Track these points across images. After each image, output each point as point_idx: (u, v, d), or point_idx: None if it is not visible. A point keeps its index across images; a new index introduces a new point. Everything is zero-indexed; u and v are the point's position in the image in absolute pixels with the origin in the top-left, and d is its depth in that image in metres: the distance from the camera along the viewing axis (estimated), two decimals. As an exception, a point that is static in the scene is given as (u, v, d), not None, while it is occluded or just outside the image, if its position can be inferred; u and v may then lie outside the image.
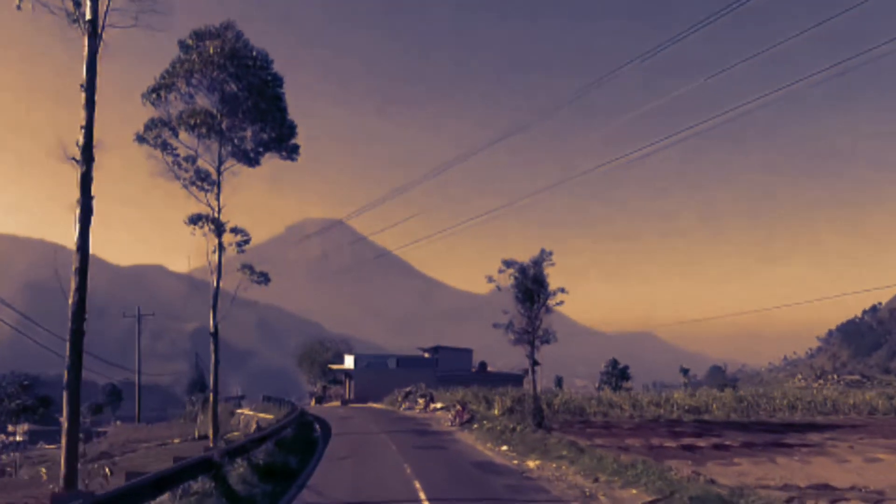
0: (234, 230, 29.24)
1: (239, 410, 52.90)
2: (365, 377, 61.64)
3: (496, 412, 35.37)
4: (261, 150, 29.56)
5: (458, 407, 34.10)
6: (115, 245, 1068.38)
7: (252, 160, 29.28)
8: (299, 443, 25.28)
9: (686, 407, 40.35)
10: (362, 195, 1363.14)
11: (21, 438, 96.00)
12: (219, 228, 28.38)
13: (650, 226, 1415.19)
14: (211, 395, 29.21)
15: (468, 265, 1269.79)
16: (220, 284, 28.80)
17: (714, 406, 40.73)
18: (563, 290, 28.17)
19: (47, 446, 74.71)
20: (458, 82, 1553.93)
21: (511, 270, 28.40)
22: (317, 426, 34.06)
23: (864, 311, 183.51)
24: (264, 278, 29.85)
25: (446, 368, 63.08)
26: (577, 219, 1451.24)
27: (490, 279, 28.23)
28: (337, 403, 60.86)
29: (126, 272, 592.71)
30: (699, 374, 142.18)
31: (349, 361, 65.94)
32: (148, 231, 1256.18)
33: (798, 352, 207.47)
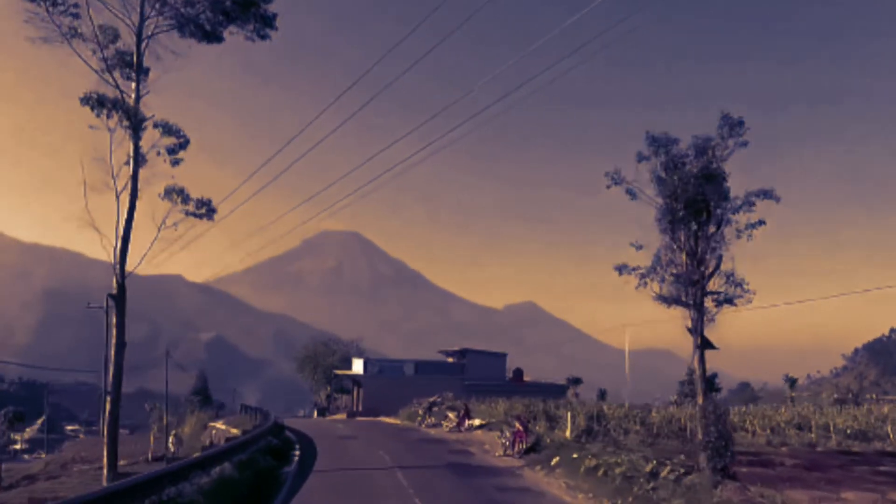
0: (162, 128, 17.38)
1: (212, 423, 41.43)
2: (376, 385, 51.03)
3: (567, 434, 24.84)
4: (210, 15, 17.83)
5: (517, 426, 21.65)
6: (134, 254, 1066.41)
7: (198, 31, 17.57)
8: (242, 489, 13.21)
9: (847, 430, 27.19)
10: (379, 208, 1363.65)
11: (22, 446, 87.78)
12: (134, 121, 16.50)
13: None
14: (108, 401, 17.18)
15: (484, 280, 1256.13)
16: (133, 219, 16.87)
17: (892, 431, 27.31)
18: (763, 196, 14.69)
19: (44, 455, 66.37)
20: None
21: (655, 162, 15.02)
22: (295, 453, 22.01)
23: (892, 330, 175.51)
24: (206, 208, 17.77)
25: (475, 376, 52.66)
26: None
27: (615, 178, 15.29)
28: (342, 416, 51.11)
29: (143, 281, 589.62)
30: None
31: (358, 366, 55.16)
32: (165, 240, 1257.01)
33: (822, 370, 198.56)
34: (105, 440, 17.58)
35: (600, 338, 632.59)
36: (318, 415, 59.46)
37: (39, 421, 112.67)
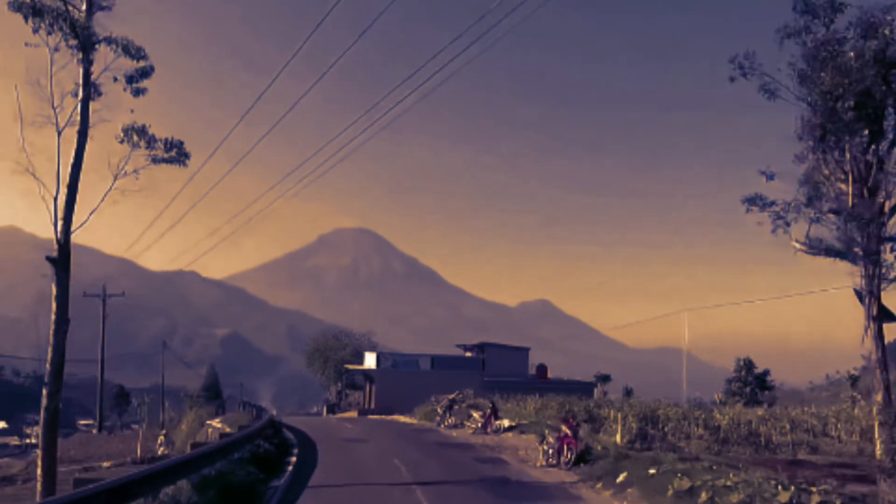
0: (122, 47, 13.40)
1: (209, 421, 37.80)
2: (390, 381, 48.06)
3: (618, 439, 20.99)
4: None
5: (564, 429, 17.41)
6: (148, 250, 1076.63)
7: None
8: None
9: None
10: (392, 205, 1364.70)
11: (33, 440, 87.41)
12: (83, 37, 12.56)
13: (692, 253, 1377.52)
14: (44, 394, 13.22)
15: (496, 277, 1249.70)
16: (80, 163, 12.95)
17: None
18: None
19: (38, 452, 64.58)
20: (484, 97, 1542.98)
21: (806, 42, 9.67)
22: (291, 459, 18.16)
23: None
24: (176, 151, 13.82)
25: (496, 372, 49.41)
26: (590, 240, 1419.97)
27: (744, 65, 10.74)
28: (353, 414, 48.29)
29: (159, 277, 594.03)
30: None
31: (370, 360, 52.07)
32: (182, 237, 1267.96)
33: (840, 371, 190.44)
34: (41, 444, 13.64)
35: (611, 335, 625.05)
36: (328, 412, 56.62)
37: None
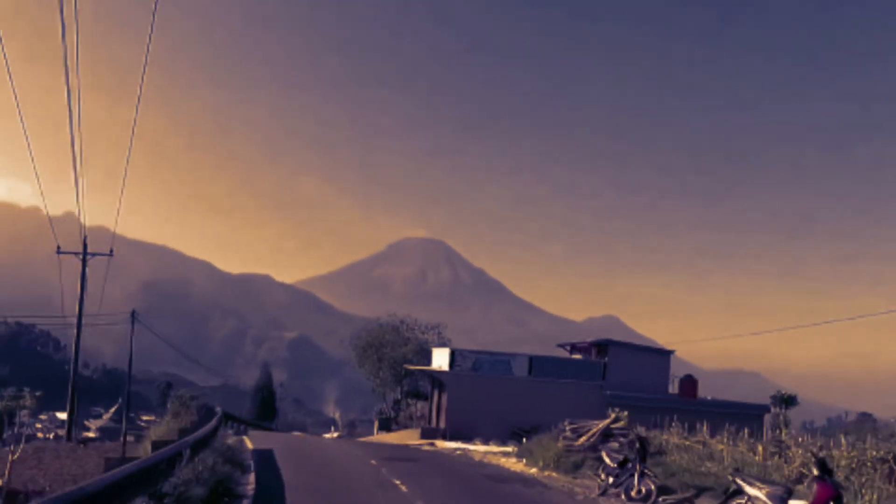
0: None
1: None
2: (469, 389, 34.22)
3: None
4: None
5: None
6: (225, 253, 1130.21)
7: None
8: None
9: None
10: (461, 216, 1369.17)
11: (93, 434, 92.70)
12: None
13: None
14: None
15: (564, 291, 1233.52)
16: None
17: None
18: None
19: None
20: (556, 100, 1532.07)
21: None
22: None
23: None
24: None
25: (622, 383, 34.99)
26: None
27: None
28: (413, 434, 35.94)
29: (234, 280, 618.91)
30: (813, 419, 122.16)
31: (440, 358, 38.15)
32: (256, 241, 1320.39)
33: None
34: None
35: (682, 356, 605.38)
36: (380, 428, 44.87)
37: (112, 409, 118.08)
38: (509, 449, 25.82)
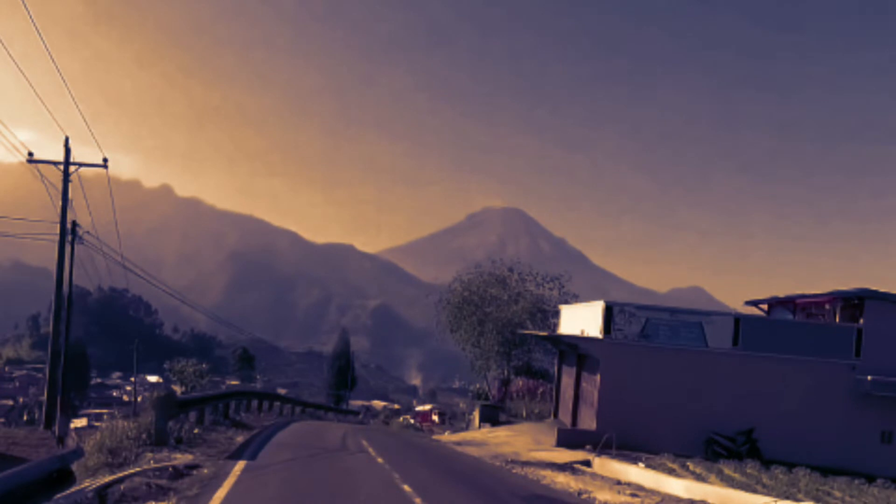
0: None
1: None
2: (636, 370, 22.37)
3: None
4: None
5: None
6: (311, 223, 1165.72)
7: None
8: None
9: None
10: (542, 185, 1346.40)
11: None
12: None
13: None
14: None
15: (647, 262, 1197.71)
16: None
17: None
18: None
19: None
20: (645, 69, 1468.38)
21: None
22: None
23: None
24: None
25: (892, 363, 21.81)
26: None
27: None
28: (538, 433, 25.54)
29: (319, 249, 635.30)
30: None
31: (580, 317, 26.81)
32: (341, 212, 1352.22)
33: None
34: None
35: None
36: (483, 419, 30.43)
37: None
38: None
